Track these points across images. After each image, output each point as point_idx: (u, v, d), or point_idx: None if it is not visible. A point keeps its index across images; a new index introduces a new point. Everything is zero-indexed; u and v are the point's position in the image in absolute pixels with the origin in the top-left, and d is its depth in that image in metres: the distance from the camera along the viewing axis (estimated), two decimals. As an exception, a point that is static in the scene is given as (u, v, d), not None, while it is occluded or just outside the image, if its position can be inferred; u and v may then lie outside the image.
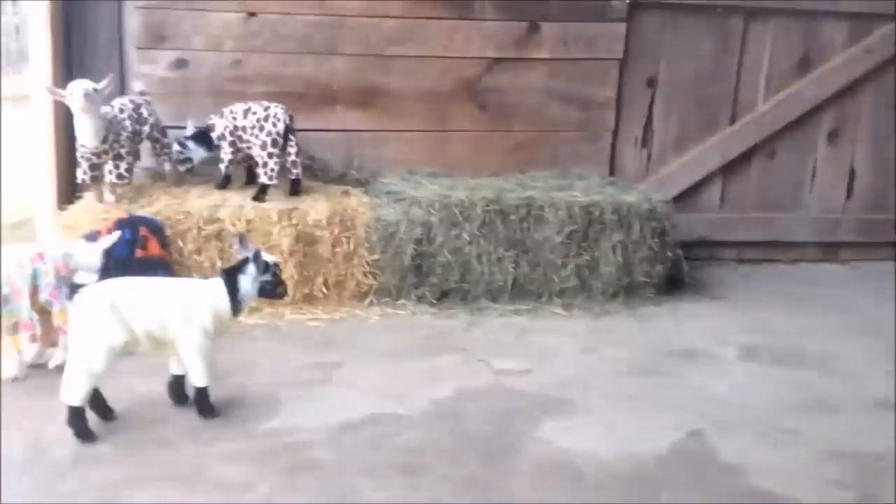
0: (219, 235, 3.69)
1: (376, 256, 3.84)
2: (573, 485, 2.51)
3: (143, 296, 2.64)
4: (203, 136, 4.05)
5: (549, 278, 4.00)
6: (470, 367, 3.33)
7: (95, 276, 3.01)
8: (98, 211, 3.65)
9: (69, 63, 4.29)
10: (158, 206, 3.72)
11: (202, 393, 2.77)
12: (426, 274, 3.90)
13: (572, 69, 4.66)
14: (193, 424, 2.74)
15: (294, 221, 3.75)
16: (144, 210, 3.67)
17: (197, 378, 2.74)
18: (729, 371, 3.39)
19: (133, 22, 4.29)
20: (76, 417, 2.58)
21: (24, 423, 2.70)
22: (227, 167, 4.02)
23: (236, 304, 2.74)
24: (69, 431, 2.58)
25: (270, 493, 2.39)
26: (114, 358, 2.59)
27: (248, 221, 3.70)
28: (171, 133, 4.18)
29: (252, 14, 4.34)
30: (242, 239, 2.84)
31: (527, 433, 2.80)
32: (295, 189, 3.94)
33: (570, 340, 3.63)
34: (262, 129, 3.81)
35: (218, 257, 3.68)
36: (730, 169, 4.92)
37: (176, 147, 4.04)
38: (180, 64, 4.34)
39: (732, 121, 4.89)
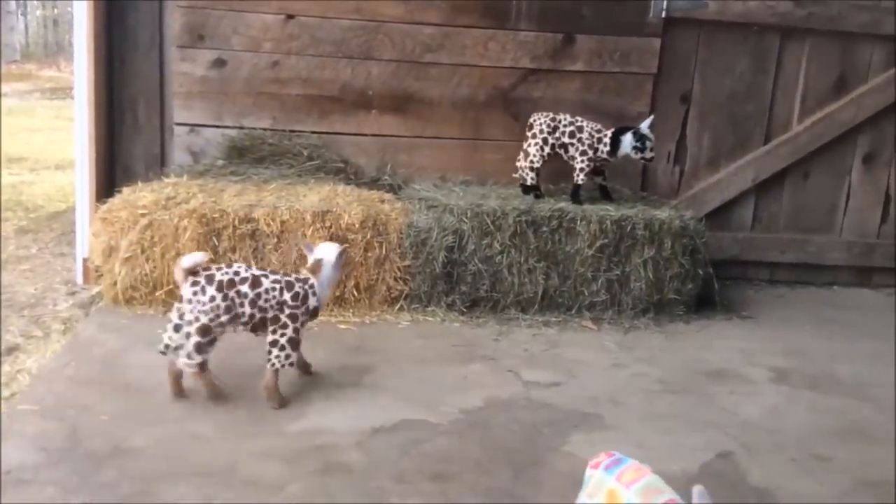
0: (253, 235, 3.71)
1: (408, 262, 3.85)
2: (602, 500, 2.50)
3: None
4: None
5: (579, 291, 4.00)
6: (499, 377, 3.32)
7: None
8: (137, 206, 3.69)
9: (110, 60, 4.34)
10: (194, 203, 3.75)
11: None
12: (457, 282, 3.91)
13: (606, 83, 4.66)
14: (226, 423, 2.76)
15: (328, 224, 3.77)
16: (180, 207, 3.70)
17: None
18: (760, 393, 3.36)
19: (173, 20, 4.34)
20: None
21: (64, 413, 2.73)
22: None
23: None
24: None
25: (300, 494, 2.40)
26: None
27: (283, 223, 3.72)
28: (210, 132, 4.25)
29: (290, 16, 4.38)
30: None
31: (555, 446, 2.79)
32: None
33: (599, 355, 3.62)
34: None
35: (252, 256, 3.71)
36: (763, 189, 4.89)
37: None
38: (219, 64, 4.38)
39: (766, 140, 4.86)
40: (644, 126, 4.10)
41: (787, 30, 4.74)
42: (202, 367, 2.80)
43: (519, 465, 2.65)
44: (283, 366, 2.87)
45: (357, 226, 3.80)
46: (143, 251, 3.64)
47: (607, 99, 4.66)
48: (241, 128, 4.43)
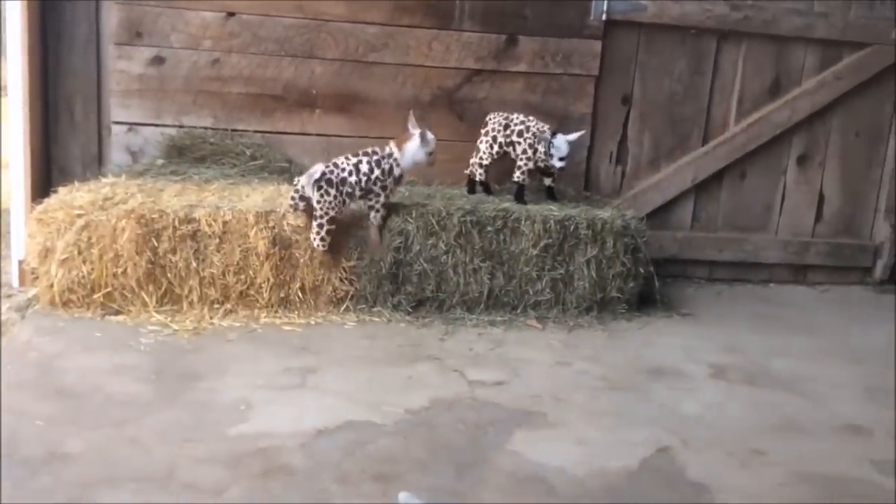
0: (194, 236, 3.65)
1: (353, 263, 3.84)
2: (544, 498, 2.52)
3: None
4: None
5: (523, 290, 4.03)
6: (444, 376, 3.33)
7: None
8: (73, 206, 3.60)
9: (45, 58, 4.23)
10: (133, 203, 3.67)
11: None
12: (402, 282, 3.90)
13: (549, 84, 4.70)
14: (165, 427, 2.72)
15: (271, 224, 3.73)
16: (118, 208, 3.62)
17: None
18: (698, 389, 3.44)
19: (110, 17, 4.24)
20: None
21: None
22: None
23: None
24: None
25: (241, 497, 2.38)
26: None
27: (225, 223, 3.68)
28: (149, 131, 4.16)
29: (231, 14, 4.32)
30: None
31: (499, 445, 2.81)
32: None
33: (543, 353, 3.65)
34: None
35: (193, 258, 3.65)
36: (701, 189, 4.99)
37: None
38: (157, 61, 4.30)
39: (704, 141, 4.95)
40: (562, 134, 4.10)
41: (723, 33, 4.83)
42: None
43: (463, 465, 2.66)
44: (379, 223, 3.81)
45: (301, 226, 3.77)
46: (79, 252, 3.55)
47: (550, 100, 4.70)
48: (181, 126, 4.35)
